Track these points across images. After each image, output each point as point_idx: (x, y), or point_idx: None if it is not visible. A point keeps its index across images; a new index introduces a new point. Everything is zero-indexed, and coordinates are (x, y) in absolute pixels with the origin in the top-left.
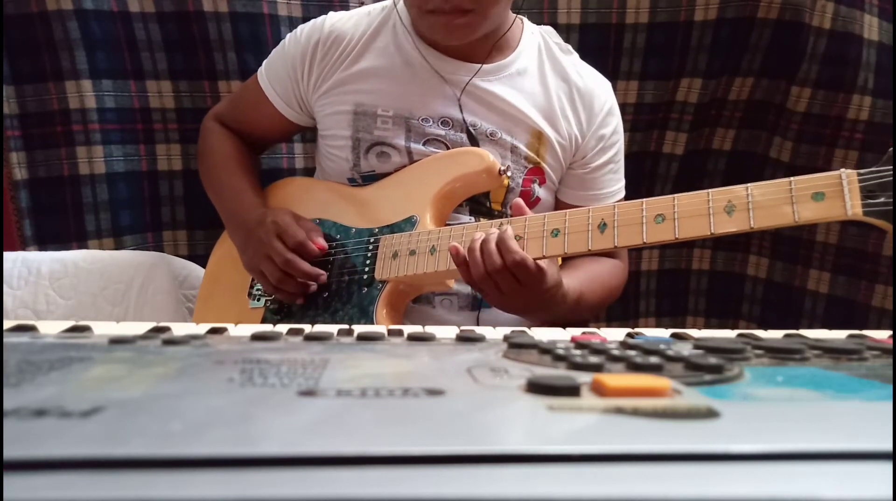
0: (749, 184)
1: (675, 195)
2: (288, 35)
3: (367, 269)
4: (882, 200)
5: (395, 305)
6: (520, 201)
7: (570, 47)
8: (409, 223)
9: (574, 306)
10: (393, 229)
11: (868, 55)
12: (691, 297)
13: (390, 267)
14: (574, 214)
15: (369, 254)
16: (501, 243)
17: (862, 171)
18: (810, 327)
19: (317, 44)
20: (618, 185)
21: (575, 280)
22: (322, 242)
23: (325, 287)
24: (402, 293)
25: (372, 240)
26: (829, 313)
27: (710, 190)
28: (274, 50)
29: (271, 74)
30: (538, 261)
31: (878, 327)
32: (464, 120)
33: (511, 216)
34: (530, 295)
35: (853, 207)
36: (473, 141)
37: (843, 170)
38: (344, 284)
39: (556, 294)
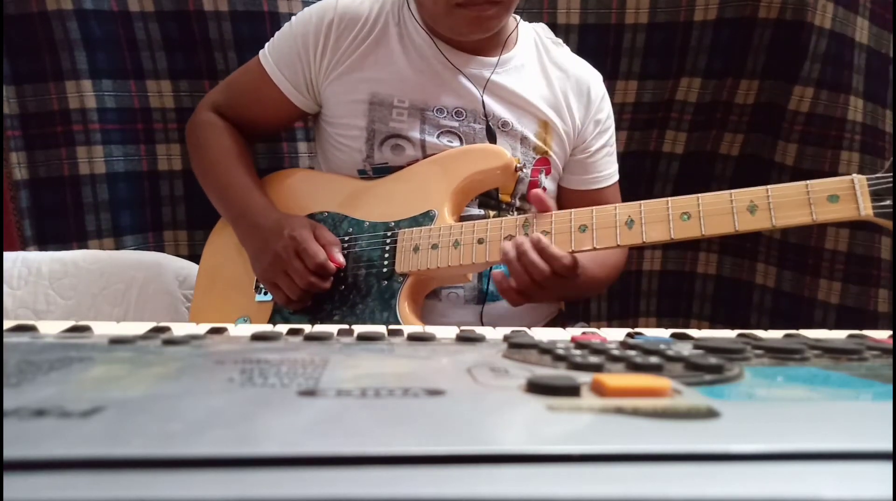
0: (768, 186)
1: (698, 195)
2: (294, 17)
3: (385, 263)
4: (888, 202)
5: (415, 298)
6: (538, 192)
7: (560, 40)
8: (427, 217)
9: (582, 283)
10: (410, 222)
11: (859, 58)
12: (696, 301)
13: (411, 261)
14: (600, 210)
15: (387, 248)
16: (543, 253)
17: (871, 176)
18: None
19: (331, 23)
20: (614, 167)
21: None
22: (340, 258)
23: (341, 281)
24: (422, 286)
25: (389, 234)
26: (841, 323)
27: (730, 191)
28: (278, 32)
29: (277, 56)
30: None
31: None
32: (485, 112)
33: (531, 208)
34: (566, 284)
35: (865, 208)
36: (490, 132)
37: (854, 175)
38: (361, 278)
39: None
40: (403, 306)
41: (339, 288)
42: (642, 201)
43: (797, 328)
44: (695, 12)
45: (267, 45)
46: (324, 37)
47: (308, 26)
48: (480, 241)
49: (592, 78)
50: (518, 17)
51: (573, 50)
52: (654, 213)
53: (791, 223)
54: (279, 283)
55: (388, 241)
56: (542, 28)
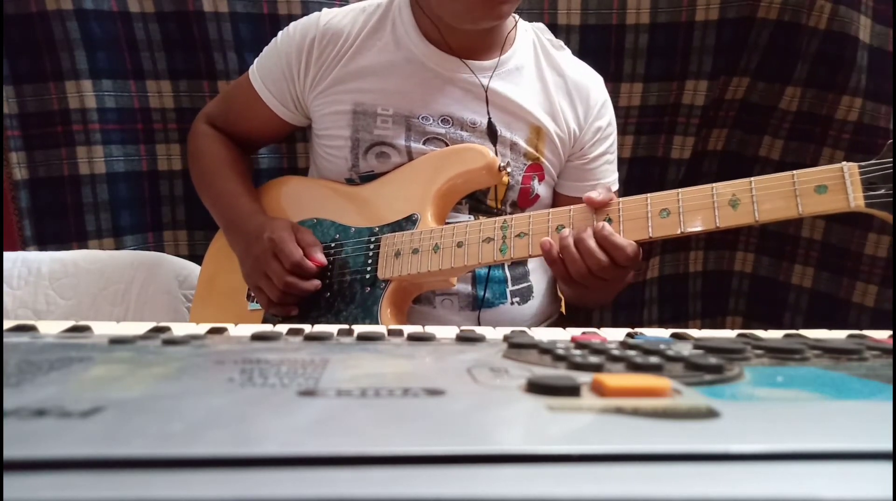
0: (752, 178)
1: (679, 190)
2: (280, 33)
3: (369, 268)
4: (883, 191)
5: (398, 304)
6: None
7: (561, 43)
8: (409, 222)
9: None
10: (394, 227)
11: (861, 57)
12: (691, 301)
13: (393, 266)
14: (578, 210)
15: (370, 253)
16: (605, 241)
17: (863, 163)
18: (793, 321)
19: (313, 41)
20: (614, 176)
21: None
22: (320, 257)
23: (326, 288)
24: (405, 292)
25: (373, 239)
26: (812, 307)
27: (713, 184)
28: (266, 48)
29: (264, 73)
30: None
31: (858, 321)
32: (472, 120)
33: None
34: (623, 278)
35: (855, 199)
36: (492, 138)
37: (844, 163)
38: (346, 284)
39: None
40: (385, 313)
41: (324, 295)
42: (622, 198)
43: (772, 311)
44: (696, 12)
45: (256, 60)
46: (306, 54)
47: (291, 44)
48: (459, 244)
49: (593, 83)
50: (517, 17)
51: (574, 51)
52: (632, 210)
53: (775, 218)
54: (261, 285)
55: (372, 246)
56: (541, 29)
